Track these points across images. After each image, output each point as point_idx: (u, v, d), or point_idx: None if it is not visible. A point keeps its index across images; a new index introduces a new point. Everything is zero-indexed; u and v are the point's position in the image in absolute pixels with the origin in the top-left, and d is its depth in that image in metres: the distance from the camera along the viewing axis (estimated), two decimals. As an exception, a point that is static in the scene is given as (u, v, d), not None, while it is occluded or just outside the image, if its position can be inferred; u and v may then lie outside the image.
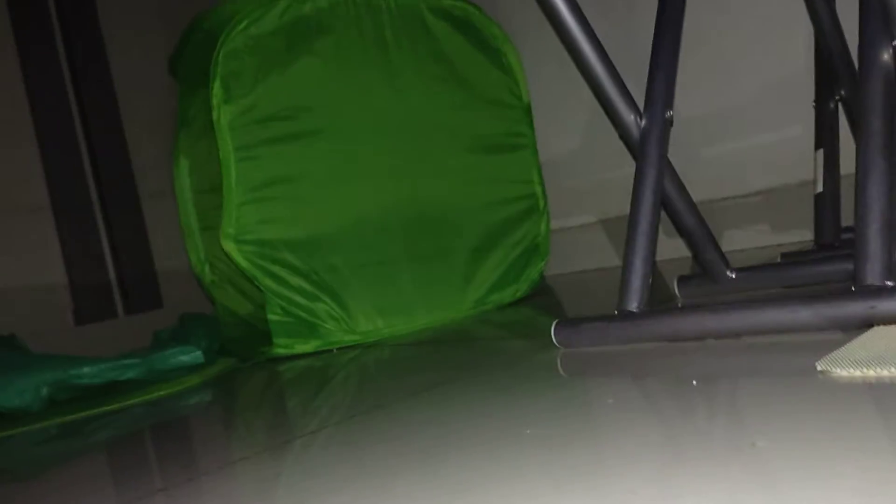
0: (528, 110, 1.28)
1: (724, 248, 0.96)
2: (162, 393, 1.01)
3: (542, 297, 1.26)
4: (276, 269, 1.07)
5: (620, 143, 1.32)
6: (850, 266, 0.68)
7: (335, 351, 1.09)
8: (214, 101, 1.03)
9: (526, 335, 1.01)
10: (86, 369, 1.03)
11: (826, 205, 0.96)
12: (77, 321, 1.66)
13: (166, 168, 1.79)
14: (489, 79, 1.23)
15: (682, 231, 0.86)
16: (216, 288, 1.41)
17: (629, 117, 0.80)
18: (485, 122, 1.23)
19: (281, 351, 1.09)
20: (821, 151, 0.97)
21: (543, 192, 1.28)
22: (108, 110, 1.75)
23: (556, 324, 0.76)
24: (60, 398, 1.05)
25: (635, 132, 0.80)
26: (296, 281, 1.08)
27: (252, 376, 1.08)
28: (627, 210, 0.77)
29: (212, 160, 1.42)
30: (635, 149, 0.80)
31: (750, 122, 1.18)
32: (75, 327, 1.65)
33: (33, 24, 1.68)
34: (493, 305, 1.19)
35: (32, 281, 1.63)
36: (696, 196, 0.86)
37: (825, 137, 0.97)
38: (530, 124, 1.28)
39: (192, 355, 1.08)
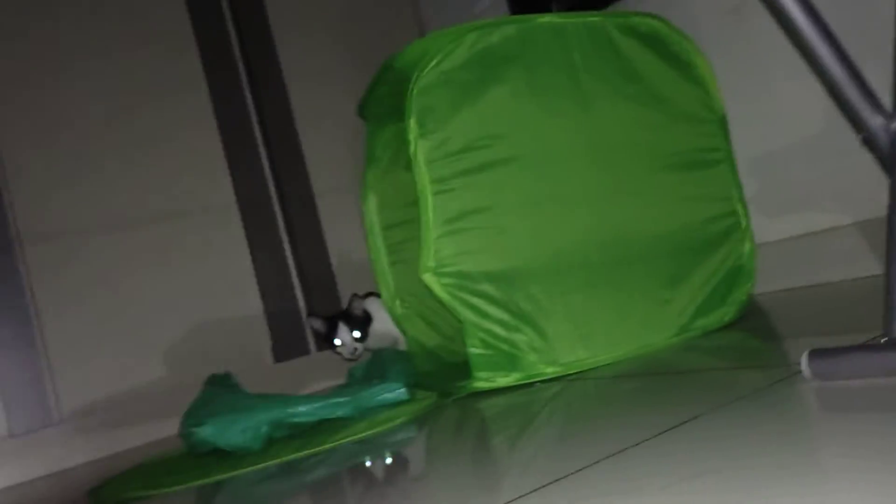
0: (723, 122, 1.19)
1: None
2: (372, 431, 1.01)
3: (750, 321, 1.15)
4: (475, 300, 1.04)
5: (821, 150, 1.20)
6: None
7: (537, 385, 1.04)
8: (410, 136, 1.03)
9: (751, 364, 0.92)
10: (301, 408, 1.05)
11: None
12: (276, 359, 1.73)
13: (347, 202, 1.85)
14: (681, 93, 1.15)
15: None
16: (406, 321, 1.42)
17: (876, 120, 0.70)
18: (679, 139, 1.15)
19: (481, 385, 1.06)
20: None
21: (745, 208, 1.18)
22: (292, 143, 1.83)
23: (810, 353, 0.67)
24: (276, 436, 1.07)
25: (884, 136, 0.70)
26: (495, 312, 1.04)
27: (454, 412, 1.06)
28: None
29: (399, 195, 1.44)
30: (884, 154, 0.71)
31: None
32: (274, 365, 1.72)
33: (222, 68, 1.79)
34: (700, 332, 1.10)
35: (235, 327, 1.71)
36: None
37: None
38: (726, 137, 1.19)
39: (397, 392, 1.07)
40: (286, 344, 1.76)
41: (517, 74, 1.08)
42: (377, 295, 1.48)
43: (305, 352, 1.78)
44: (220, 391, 1.13)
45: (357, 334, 1.48)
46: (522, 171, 1.08)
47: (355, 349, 1.48)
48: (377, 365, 1.30)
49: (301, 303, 1.79)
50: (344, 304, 1.59)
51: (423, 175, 1.04)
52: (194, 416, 1.08)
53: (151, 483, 1.00)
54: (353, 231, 1.85)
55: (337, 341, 1.47)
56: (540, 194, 1.09)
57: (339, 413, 1.06)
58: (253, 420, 1.04)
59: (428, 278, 1.04)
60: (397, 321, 1.42)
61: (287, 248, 1.80)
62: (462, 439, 0.95)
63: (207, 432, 1.04)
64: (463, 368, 1.24)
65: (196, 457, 1.09)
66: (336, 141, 1.86)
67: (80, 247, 1.59)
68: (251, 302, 1.74)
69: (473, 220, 1.06)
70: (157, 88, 1.71)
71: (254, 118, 1.81)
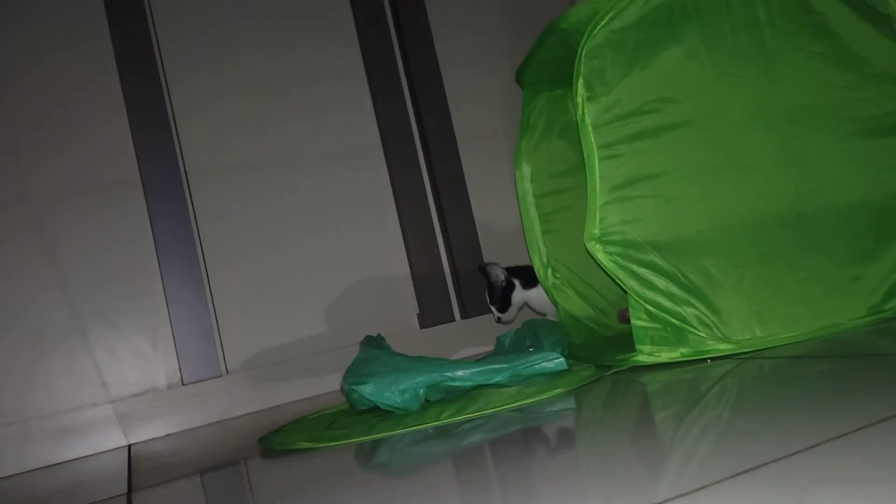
0: (925, 84, 1.05)
1: None
2: (530, 400, 0.97)
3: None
4: (641, 270, 0.98)
5: None
6: None
7: (709, 361, 0.96)
8: (578, 100, 0.97)
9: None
10: (459, 372, 1.03)
11: None
12: (422, 325, 1.73)
13: (497, 177, 1.81)
14: (878, 51, 1.02)
15: None
16: (558, 291, 1.37)
17: None
18: (874, 102, 1.03)
19: (643, 359, 1.00)
20: None
21: (948, 179, 1.04)
22: (444, 124, 1.80)
23: None
24: (432, 398, 1.06)
25: None
26: (663, 284, 0.98)
27: (615, 386, 1.00)
28: None
29: (552, 164, 1.39)
30: None
31: None
32: (419, 330, 1.72)
33: (377, 47, 1.79)
34: (893, 313, 0.98)
35: (385, 289, 1.73)
36: None
37: None
38: (929, 100, 1.05)
39: (556, 362, 1.03)
40: (432, 310, 1.76)
41: (693, 33, 1.00)
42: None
43: (450, 319, 1.76)
44: (379, 352, 1.13)
45: (495, 306, 1.48)
46: (695, 137, 1.00)
47: (498, 319, 1.49)
48: (529, 334, 1.26)
49: (446, 270, 1.78)
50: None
51: (591, 140, 0.98)
52: (355, 374, 1.09)
53: (316, 436, 1.01)
54: (499, 200, 1.82)
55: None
56: (713, 162, 1.00)
57: (497, 379, 1.03)
58: (412, 381, 1.03)
59: (592, 247, 0.98)
60: (548, 291, 1.37)
61: (434, 216, 1.78)
62: (622, 416, 0.90)
63: (368, 390, 1.04)
64: (620, 341, 1.18)
65: (356, 413, 1.10)
66: (485, 106, 1.82)
67: (243, 202, 1.64)
68: (400, 266, 1.75)
69: (641, 187, 0.99)
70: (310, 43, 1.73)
71: (403, 78, 1.80)
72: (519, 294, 1.45)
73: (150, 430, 1.49)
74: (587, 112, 0.97)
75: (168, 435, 1.49)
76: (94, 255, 1.52)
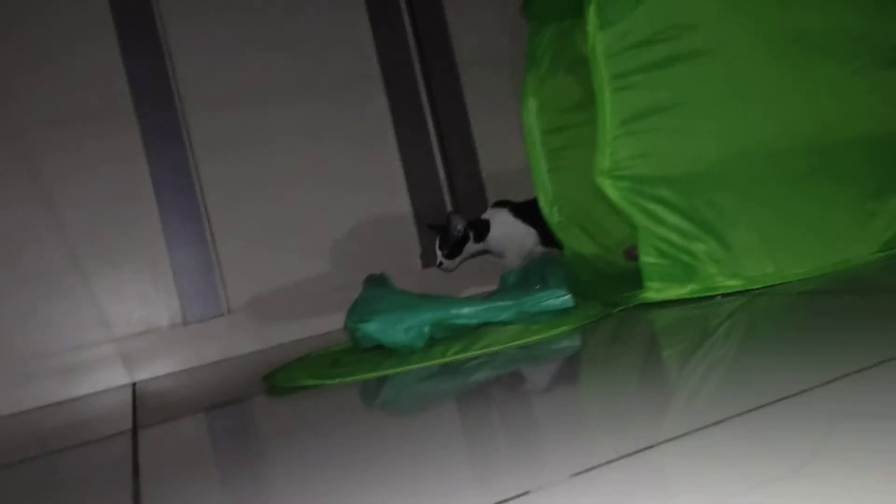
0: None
1: None
2: (535, 337, 0.95)
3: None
4: (652, 206, 0.95)
5: None
6: None
7: (720, 298, 0.95)
8: (590, 29, 0.93)
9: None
10: (464, 310, 1.01)
11: None
12: (424, 264, 1.71)
13: (498, 106, 1.76)
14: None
15: None
16: (563, 229, 1.34)
17: None
18: (893, 32, 0.98)
19: (652, 296, 0.98)
20: None
21: (969, 111, 1.00)
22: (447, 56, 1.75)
23: None
24: (437, 336, 1.04)
25: None
26: (673, 219, 0.95)
27: (622, 323, 0.99)
28: None
29: (559, 99, 1.35)
30: None
31: None
32: (421, 270, 1.70)
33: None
34: (907, 249, 0.96)
35: (387, 228, 1.70)
36: None
37: None
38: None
39: (563, 299, 1.01)
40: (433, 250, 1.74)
41: (710, -44, 0.95)
42: (505, 205, 1.43)
43: (452, 258, 1.74)
44: (384, 290, 1.12)
45: (443, 252, 1.45)
46: (710, 67, 0.96)
47: (440, 263, 1.45)
48: (535, 272, 1.24)
49: (449, 209, 1.75)
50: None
51: (602, 70, 0.94)
52: (359, 312, 1.07)
53: (320, 373, 1.00)
54: (503, 138, 1.78)
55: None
56: (728, 92, 0.97)
57: (503, 317, 1.01)
58: (417, 319, 1.01)
59: (602, 181, 0.95)
60: (554, 229, 1.35)
61: (437, 154, 1.75)
62: (629, 353, 0.88)
63: (372, 328, 1.02)
64: (627, 280, 1.16)
65: (360, 352, 1.09)
66: (489, 35, 1.76)
67: (242, 140, 1.60)
68: (402, 205, 1.72)
69: (654, 119, 0.95)
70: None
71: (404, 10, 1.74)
72: (471, 247, 1.44)
73: (153, 369, 1.48)
74: (599, 41, 0.93)
75: (171, 373, 1.49)
76: (92, 194, 1.49)
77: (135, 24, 1.52)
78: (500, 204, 1.48)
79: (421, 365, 0.95)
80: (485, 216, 1.45)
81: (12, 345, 1.42)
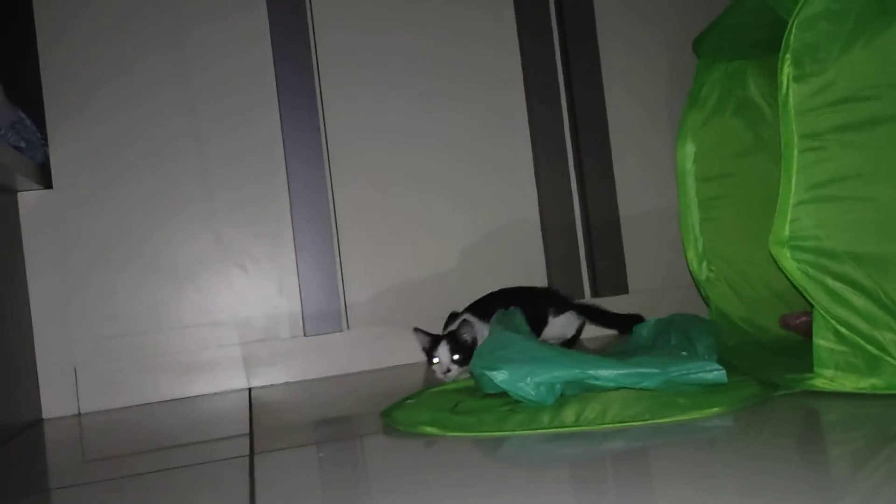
0: None
1: None
2: (683, 417, 0.85)
3: None
4: (835, 284, 0.83)
5: None
6: None
7: (907, 399, 0.82)
8: (783, 79, 0.82)
9: None
10: (603, 372, 0.92)
11: None
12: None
13: (643, 144, 1.66)
14: None
15: None
16: (711, 287, 1.23)
17: None
18: None
19: (822, 384, 0.86)
20: None
21: None
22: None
23: None
24: (568, 393, 0.96)
25: None
26: (860, 302, 0.83)
27: (782, 411, 0.87)
28: None
29: (721, 144, 1.23)
30: None
31: None
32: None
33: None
34: None
35: (515, 259, 1.63)
36: None
37: None
38: None
39: (716, 374, 0.90)
40: (561, 282, 1.65)
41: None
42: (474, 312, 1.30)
43: (579, 295, 1.65)
44: (516, 336, 1.04)
45: (457, 357, 1.22)
46: (920, 132, 0.83)
47: (448, 370, 1.22)
48: (676, 330, 1.13)
49: (580, 245, 1.66)
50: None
51: (792, 127, 0.83)
52: (488, 357, 1.00)
53: (442, 421, 0.94)
54: (645, 176, 1.67)
55: (435, 359, 1.23)
56: (938, 163, 0.83)
57: (645, 384, 0.92)
58: (549, 375, 0.93)
59: (778, 251, 0.84)
60: (700, 286, 1.23)
61: (574, 184, 1.66)
62: (790, 447, 0.77)
63: (500, 378, 0.95)
64: (781, 351, 1.04)
65: (482, 396, 1.02)
66: (642, 65, 1.66)
67: (374, 150, 1.57)
68: (533, 237, 1.64)
69: (846, 187, 0.84)
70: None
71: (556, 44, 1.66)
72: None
73: (269, 377, 1.48)
74: (792, 93, 0.82)
75: (286, 383, 1.48)
76: (226, 195, 1.50)
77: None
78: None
79: (549, 430, 0.87)
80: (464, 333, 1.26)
81: (140, 338, 1.44)
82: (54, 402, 1.39)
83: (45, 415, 1.39)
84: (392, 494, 0.72)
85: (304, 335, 1.50)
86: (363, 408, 1.18)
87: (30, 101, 1.38)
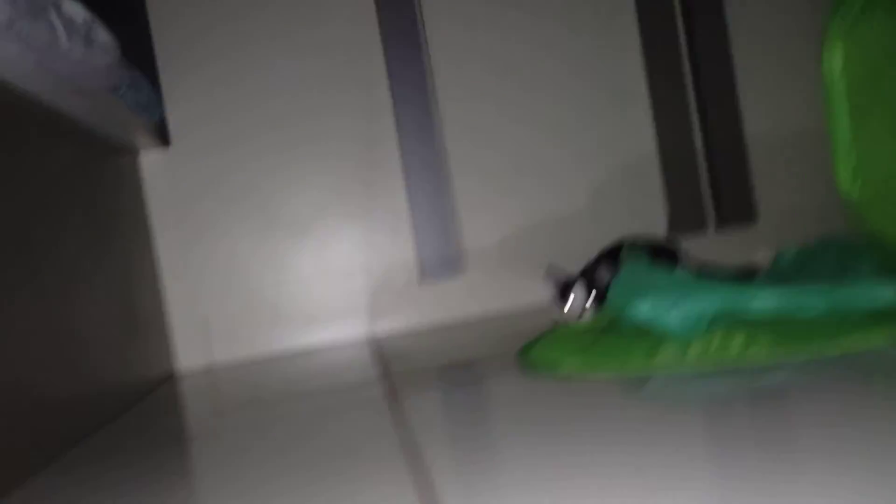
0: None
1: None
2: (855, 346, 0.77)
3: None
4: None
5: None
6: None
7: None
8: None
9: None
10: (760, 299, 0.84)
11: None
12: (669, 228, 1.54)
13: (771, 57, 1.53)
14: None
15: None
16: (867, 207, 1.11)
17: None
18: None
19: None
20: None
21: None
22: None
23: None
24: (716, 327, 0.89)
25: None
26: None
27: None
28: None
29: (876, 47, 1.10)
30: None
31: None
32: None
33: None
34: None
35: (630, 188, 1.55)
36: None
37: None
38: None
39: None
40: (681, 217, 1.56)
41: None
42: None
43: (702, 227, 1.55)
44: (659, 267, 0.98)
45: (593, 297, 1.15)
46: None
47: (583, 311, 1.16)
48: (829, 254, 1.03)
49: (703, 172, 1.55)
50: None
51: None
52: (626, 289, 0.94)
53: (584, 359, 0.89)
54: (774, 93, 1.54)
55: (569, 300, 1.16)
56: None
57: (808, 311, 0.84)
58: (699, 305, 0.87)
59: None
60: (852, 206, 1.12)
61: (693, 106, 1.55)
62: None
63: (644, 310, 0.89)
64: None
65: (623, 332, 0.96)
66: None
67: (483, 87, 1.51)
68: (650, 170, 1.55)
69: None
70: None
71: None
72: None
73: (389, 324, 1.47)
74: None
75: (407, 330, 1.47)
76: (344, 145, 1.48)
77: None
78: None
79: (701, 365, 0.81)
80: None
81: (265, 290, 1.46)
82: (187, 356, 1.44)
83: (179, 368, 1.43)
84: (536, 432, 0.68)
85: (422, 281, 1.48)
86: (493, 351, 1.14)
87: (144, 60, 1.39)
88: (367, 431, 0.78)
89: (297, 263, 1.47)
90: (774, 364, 0.77)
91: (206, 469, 0.77)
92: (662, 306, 0.88)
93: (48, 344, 0.89)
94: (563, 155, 1.53)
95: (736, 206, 1.55)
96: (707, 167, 1.55)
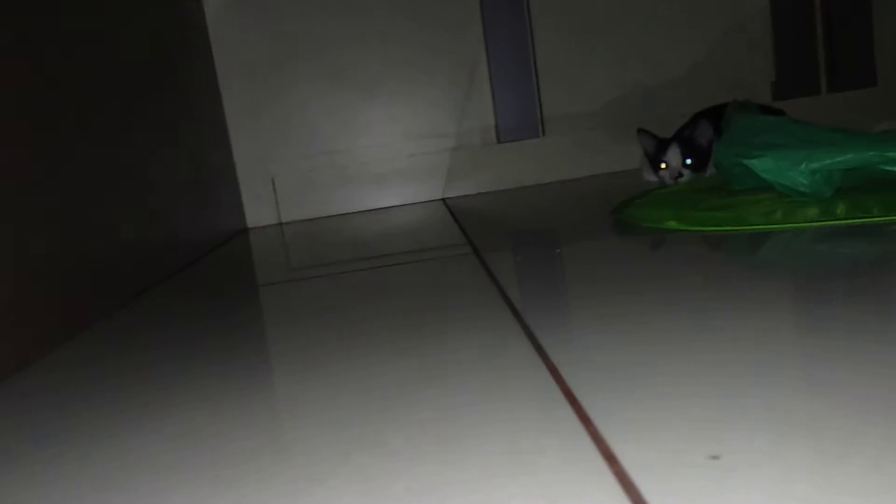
0: None
1: None
2: None
3: None
4: None
5: None
6: None
7: None
8: None
9: None
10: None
11: None
12: (774, 96, 1.40)
13: None
14: None
15: None
16: None
17: None
18: None
19: None
20: None
21: None
22: None
23: None
24: (845, 186, 0.78)
25: None
26: None
27: None
28: None
29: None
30: None
31: None
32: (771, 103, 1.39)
33: None
34: None
35: (735, 47, 1.39)
36: None
37: None
38: None
39: None
40: (791, 79, 1.41)
41: None
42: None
43: (812, 91, 1.40)
44: (779, 119, 0.86)
45: (690, 160, 1.05)
46: None
47: (679, 175, 1.05)
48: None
49: (818, 28, 1.39)
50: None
51: None
52: (743, 143, 0.84)
53: (692, 217, 0.80)
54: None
55: (664, 163, 1.06)
56: None
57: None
58: (832, 160, 0.76)
59: None
60: None
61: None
62: None
63: (766, 166, 0.79)
64: None
65: (733, 193, 0.87)
66: None
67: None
68: (758, 14, 1.39)
69: None
70: None
71: None
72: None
73: (462, 186, 1.40)
74: None
75: (480, 193, 1.39)
76: (423, 3, 1.36)
77: None
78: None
79: (832, 223, 0.71)
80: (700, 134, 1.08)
81: (333, 152, 1.39)
82: (256, 213, 1.40)
83: (249, 224, 1.40)
84: (647, 300, 0.60)
85: (498, 141, 1.39)
86: (580, 213, 1.06)
87: None
88: (453, 271, 0.72)
89: (366, 123, 1.39)
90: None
91: (303, 304, 0.73)
92: (790, 160, 0.78)
93: (119, 189, 0.85)
94: (656, 10, 1.37)
95: (853, 66, 1.39)
96: (823, 22, 1.38)
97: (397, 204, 1.40)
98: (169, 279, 0.94)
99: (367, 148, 1.39)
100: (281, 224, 1.39)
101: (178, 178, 1.07)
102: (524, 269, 0.76)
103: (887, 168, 0.75)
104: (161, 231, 0.96)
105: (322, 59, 1.37)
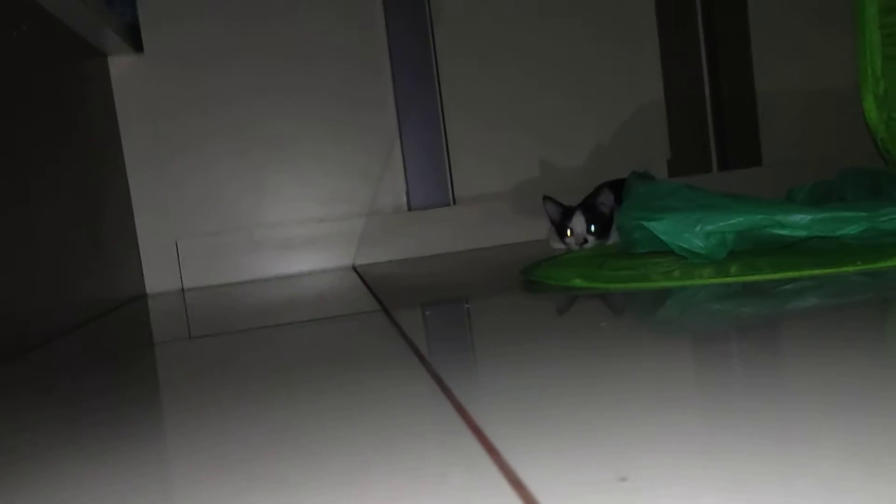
0: None
1: None
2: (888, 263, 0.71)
3: None
4: None
5: None
6: None
7: None
8: None
9: None
10: (795, 218, 0.77)
11: None
12: (670, 173, 1.48)
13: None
14: None
15: None
16: (894, 136, 1.06)
17: None
18: None
19: None
20: None
21: None
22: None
23: None
24: (739, 248, 0.83)
25: None
26: None
27: None
28: None
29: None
30: None
31: None
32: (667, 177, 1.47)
33: None
34: None
35: (633, 128, 1.47)
36: None
37: None
38: None
39: (939, 215, 0.75)
40: (685, 158, 1.50)
41: None
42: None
43: (704, 169, 1.49)
44: (676, 184, 0.91)
45: (594, 228, 1.10)
46: None
47: (585, 242, 1.10)
48: (855, 183, 0.97)
49: (709, 116, 1.49)
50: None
51: None
52: (642, 207, 0.87)
53: (597, 276, 0.82)
54: (787, 36, 1.48)
55: (569, 230, 1.10)
56: None
57: (847, 230, 0.77)
58: (725, 222, 0.80)
59: None
60: (878, 136, 1.06)
61: (702, 38, 1.48)
62: None
63: (664, 227, 0.82)
64: None
65: (634, 256, 0.90)
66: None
67: (485, 28, 1.42)
68: (653, 103, 1.48)
69: None
70: None
71: None
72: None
73: (373, 254, 1.39)
74: None
75: (391, 261, 1.39)
76: (328, 70, 1.38)
77: None
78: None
79: (740, 279, 0.74)
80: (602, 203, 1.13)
81: (240, 215, 1.36)
82: (156, 278, 1.34)
83: (148, 290, 1.34)
84: (552, 346, 0.60)
85: (409, 209, 1.40)
86: (489, 276, 1.07)
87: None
88: (363, 333, 0.71)
89: (275, 186, 1.38)
90: (802, 284, 0.71)
91: (202, 369, 0.69)
92: (685, 223, 0.81)
93: (3, 247, 0.80)
94: (564, 97, 1.44)
95: (741, 148, 1.49)
96: (713, 110, 1.48)
97: (307, 270, 1.37)
98: (47, 343, 0.87)
99: (275, 213, 1.37)
100: (183, 290, 1.34)
101: (71, 238, 1.01)
102: (433, 324, 0.75)
103: (775, 231, 0.80)
104: (47, 294, 0.90)
105: (230, 118, 1.35)
